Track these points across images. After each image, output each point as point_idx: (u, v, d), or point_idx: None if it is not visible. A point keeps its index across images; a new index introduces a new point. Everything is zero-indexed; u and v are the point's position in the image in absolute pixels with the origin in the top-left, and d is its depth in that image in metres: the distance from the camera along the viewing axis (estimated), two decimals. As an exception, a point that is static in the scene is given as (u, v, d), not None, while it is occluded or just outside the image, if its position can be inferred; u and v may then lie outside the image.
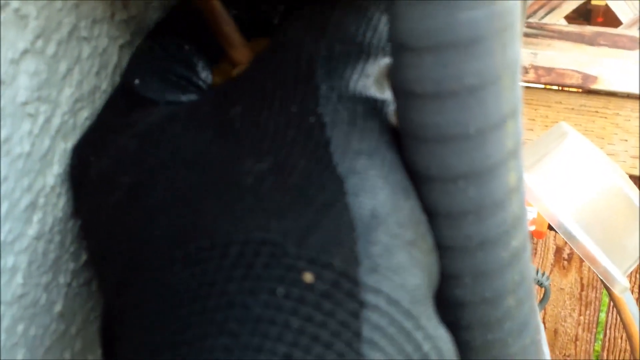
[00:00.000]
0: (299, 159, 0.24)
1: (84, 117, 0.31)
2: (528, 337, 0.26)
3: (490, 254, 0.24)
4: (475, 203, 0.23)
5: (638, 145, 1.06)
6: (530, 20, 1.13)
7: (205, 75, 0.32)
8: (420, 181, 0.24)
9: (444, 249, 0.24)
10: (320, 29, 0.27)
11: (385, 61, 0.27)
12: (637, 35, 1.07)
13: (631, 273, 1.05)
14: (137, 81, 0.31)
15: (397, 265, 0.22)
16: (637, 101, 1.06)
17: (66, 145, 0.30)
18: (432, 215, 0.24)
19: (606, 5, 1.17)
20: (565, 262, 1.12)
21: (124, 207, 0.27)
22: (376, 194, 0.23)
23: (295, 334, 0.21)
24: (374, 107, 0.25)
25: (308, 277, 0.21)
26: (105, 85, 0.32)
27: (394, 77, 0.23)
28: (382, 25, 0.27)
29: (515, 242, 0.24)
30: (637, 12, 1.11)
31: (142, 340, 0.23)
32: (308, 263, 0.22)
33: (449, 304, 0.25)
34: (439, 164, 0.23)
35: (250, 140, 0.25)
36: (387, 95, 0.26)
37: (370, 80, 0.26)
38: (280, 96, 0.26)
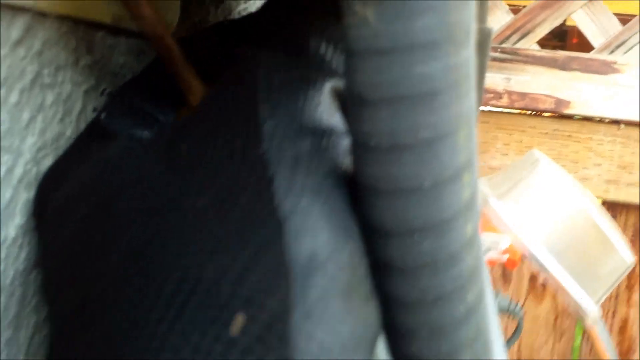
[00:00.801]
0: (241, 195, 0.24)
1: (47, 165, 0.31)
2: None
3: (446, 309, 0.24)
4: (430, 256, 0.23)
5: (611, 169, 1.07)
6: (504, 45, 1.14)
7: (170, 115, 0.32)
8: (375, 234, 0.24)
9: (399, 304, 0.24)
10: (258, 63, 0.27)
11: (335, 83, 0.27)
12: (609, 60, 1.09)
13: (608, 297, 1.06)
14: (103, 115, 0.32)
15: (333, 311, 0.22)
16: (611, 125, 1.07)
17: (29, 195, 0.30)
18: (387, 268, 0.24)
19: (580, 26, 1.18)
20: (540, 290, 1.12)
21: (77, 238, 0.27)
22: (316, 236, 0.23)
23: None
24: (321, 142, 0.25)
25: (240, 319, 0.21)
26: (70, 132, 0.32)
27: (350, 128, 0.23)
28: (322, 49, 0.28)
29: (471, 296, 0.24)
30: (609, 37, 1.12)
31: None
32: (243, 303, 0.21)
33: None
34: (394, 217, 0.23)
35: (195, 175, 0.25)
36: (337, 120, 0.26)
37: (319, 108, 0.26)
38: (224, 133, 0.26)
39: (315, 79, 0.27)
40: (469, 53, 0.23)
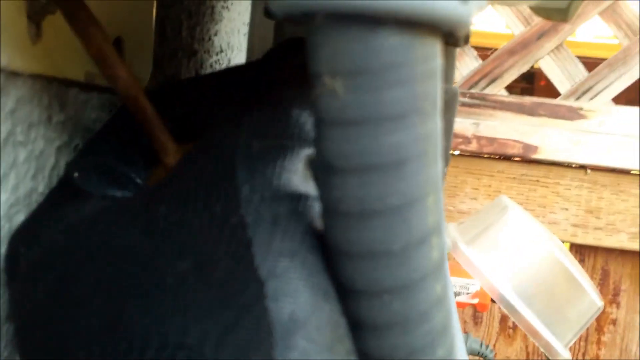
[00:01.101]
0: (221, 259, 0.24)
1: (20, 221, 0.31)
2: None
3: (418, 364, 0.24)
4: (400, 316, 0.24)
5: (579, 214, 1.08)
6: (472, 90, 1.16)
7: (144, 174, 0.32)
8: (345, 294, 0.24)
9: None
10: (238, 128, 0.28)
11: (309, 152, 0.28)
12: (575, 106, 1.11)
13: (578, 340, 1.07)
14: (76, 174, 0.32)
15: None
16: (578, 170, 1.09)
17: (1, 252, 0.30)
18: (358, 326, 0.24)
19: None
20: (511, 331, 1.13)
21: (50, 299, 0.27)
22: (296, 298, 0.23)
23: None
24: (297, 206, 0.26)
25: None
26: (42, 188, 0.33)
27: (320, 194, 0.24)
28: (302, 118, 0.28)
29: (441, 351, 0.25)
30: (575, 83, 1.15)
31: None
32: None
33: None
34: (364, 278, 0.23)
35: (173, 239, 0.25)
36: (311, 186, 0.27)
37: (294, 175, 0.27)
38: (203, 197, 0.26)
39: (293, 147, 0.27)
40: (436, 122, 0.23)
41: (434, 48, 0.22)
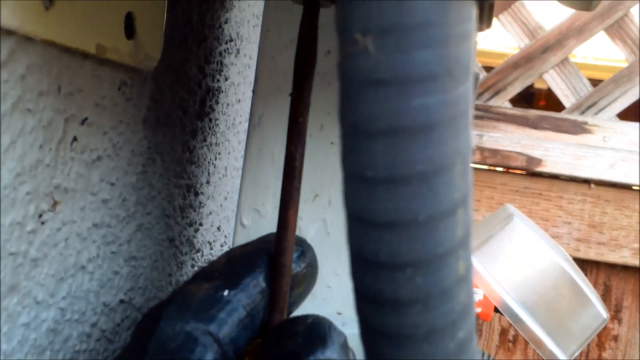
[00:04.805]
0: None
1: (25, 192, 0.30)
2: None
3: (437, 345, 0.23)
4: (423, 292, 0.23)
5: (581, 228, 1.08)
6: (476, 102, 1.16)
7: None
8: (366, 267, 0.23)
9: (389, 338, 0.23)
10: None
11: None
12: (580, 120, 1.10)
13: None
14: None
15: None
16: (581, 185, 1.09)
17: (4, 221, 0.29)
18: (378, 302, 0.23)
19: (548, 88, 1.20)
20: (510, 344, 1.11)
21: None
22: None
23: None
24: None
25: None
26: (49, 159, 0.32)
27: (344, 161, 0.23)
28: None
29: (461, 333, 0.24)
30: (579, 97, 1.14)
31: None
32: None
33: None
34: (388, 250, 0.22)
35: None
36: None
37: None
38: None
39: None
40: (467, 89, 0.22)
41: (470, 9, 0.22)
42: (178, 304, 0.31)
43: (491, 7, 0.36)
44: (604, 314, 0.72)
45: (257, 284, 0.33)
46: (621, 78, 1.14)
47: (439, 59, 0.21)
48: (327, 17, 0.29)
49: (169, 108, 0.44)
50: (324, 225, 0.40)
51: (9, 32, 0.28)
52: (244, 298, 0.32)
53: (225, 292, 0.32)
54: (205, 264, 0.42)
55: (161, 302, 0.33)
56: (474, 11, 0.22)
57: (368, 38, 0.21)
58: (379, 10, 0.21)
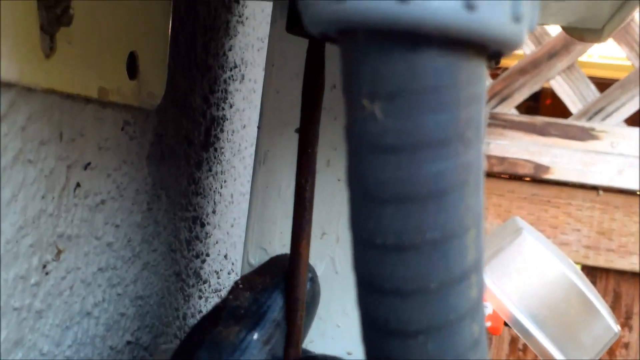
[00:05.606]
0: None
1: (28, 244, 0.30)
2: None
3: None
4: (435, 358, 0.22)
5: (590, 235, 1.07)
6: (483, 109, 1.15)
7: None
8: (377, 334, 0.23)
9: None
10: None
11: None
12: (587, 126, 1.09)
13: None
14: None
15: None
16: (590, 191, 1.08)
17: (6, 275, 0.28)
18: (390, 367, 0.23)
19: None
20: (521, 353, 1.11)
21: None
22: None
23: None
24: None
25: None
26: (52, 209, 0.31)
27: (352, 225, 0.22)
28: None
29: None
30: (586, 103, 1.13)
31: None
32: None
33: None
34: (398, 318, 0.22)
35: None
36: None
37: None
38: None
39: None
40: (479, 150, 0.22)
41: (480, 70, 0.21)
42: (209, 350, 0.31)
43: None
44: (615, 328, 0.71)
45: (274, 318, 0.33)
46: (628, 83, 1.13)
47: (449, 124, 0.20)
48: (332, 49, 0.28)
49: (174, 141, 0.43)
50: (332, 264, 0.40)
51: (9, 85, 0.27)
52: (267, 336, 0.33)
53: (255, 336, 0.32)
54: (216, 293, 0.42)
55: (183, 342, 0.33)
56: (484, 70, 0.21)
57: (375, 103, 0.20)
58: (385, 75, 0.20)
